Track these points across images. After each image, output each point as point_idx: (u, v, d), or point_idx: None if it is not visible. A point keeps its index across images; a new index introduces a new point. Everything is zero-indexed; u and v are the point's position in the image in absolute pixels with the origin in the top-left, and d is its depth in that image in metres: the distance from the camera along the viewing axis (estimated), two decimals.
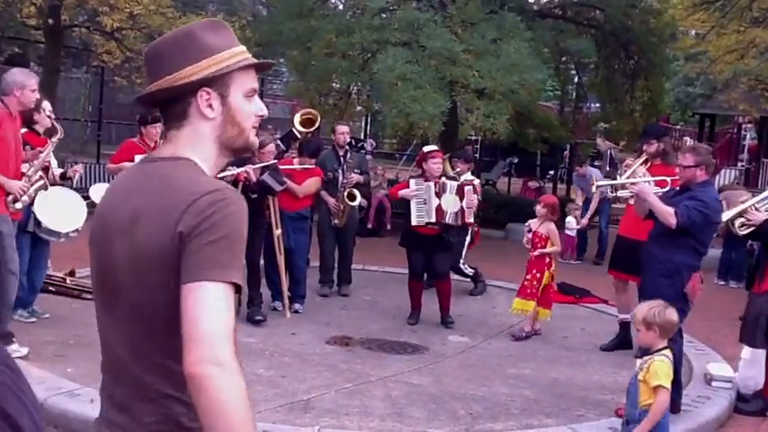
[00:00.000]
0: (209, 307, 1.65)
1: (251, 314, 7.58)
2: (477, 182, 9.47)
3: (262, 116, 2.00)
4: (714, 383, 6.32)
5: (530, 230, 7.92)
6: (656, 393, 4.32)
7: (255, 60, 1.98)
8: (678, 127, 28.41)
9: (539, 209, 7.95)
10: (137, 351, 1.82)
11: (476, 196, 8.21)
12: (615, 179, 7.24)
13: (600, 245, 12.85)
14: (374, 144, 22.65)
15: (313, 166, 8.41)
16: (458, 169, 9.48)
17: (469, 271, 9.71)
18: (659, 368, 4.34)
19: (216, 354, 1.61)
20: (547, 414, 5.79)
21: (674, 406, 5.71)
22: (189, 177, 1.83)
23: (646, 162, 7.07)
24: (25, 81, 6.10)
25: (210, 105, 1.89)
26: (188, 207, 1.73)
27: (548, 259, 7.84)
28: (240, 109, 1.93)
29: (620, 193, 6.78)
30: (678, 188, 6.02)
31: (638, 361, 4.55)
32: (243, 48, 1.96)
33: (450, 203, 7.87)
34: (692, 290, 5.62)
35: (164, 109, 1.95)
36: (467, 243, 9.59)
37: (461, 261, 9.56)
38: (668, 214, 5.62)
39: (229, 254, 1.71)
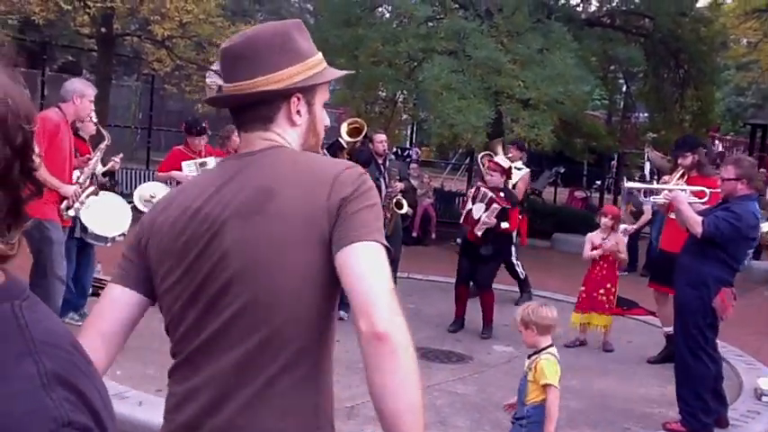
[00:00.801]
0: (378, 264, 1.64)
1: None
2: (526, 171, 9.47)
3: (327, 127, 1.97)
4: (764, 398, 6.20)
5: (601, 246, 7.80)
6: (546, 392, 4.34)
7: (343, 72, 1.98)
8: (728, 137, 27.95)
9: (605, 221, 7.83)
10: (246, 359, 1.71)
11: (494, 220, 8.14)
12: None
13: (648, 257, 12.67)
14: (419, 153, 22.65)
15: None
16: (510, 155, 9.45)
17: (521, 272, 9.57)
18: (546, 366, 4.36)
19: (392, 311, 1.63)
20: (593, 426, 5.74)
21: (722, 421, 5.62)
22: (314, 157, 1.81)
23: (683, 176, 6.99)
24: (85, 90, 6.27)
25: (299, 111, 1.85)
26: (337, 177, 1.70)
27: (618, 273, 7.85)
28: (320, 118, 1.91)
29: (654, 199, 6.70)
30: (721, 201, 5.92)
31: (527, 361, 4.55)
32: (320, 54, 1.92)
33: (480, 211, 7.88)
34: (721, 305, 5.44)
35: (244, 111, 1.85)
36: (514, 235, 9.54)
37: (514, 255, 9.38)
38: (695, 223, 5.52)
39: (380, 223, 1.71)
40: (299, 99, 1.84)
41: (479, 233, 7.85)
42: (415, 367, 1.62)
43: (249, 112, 1.84)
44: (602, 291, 7.78)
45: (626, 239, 11.48)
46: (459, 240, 9.54)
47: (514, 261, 9.43)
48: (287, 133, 1.85)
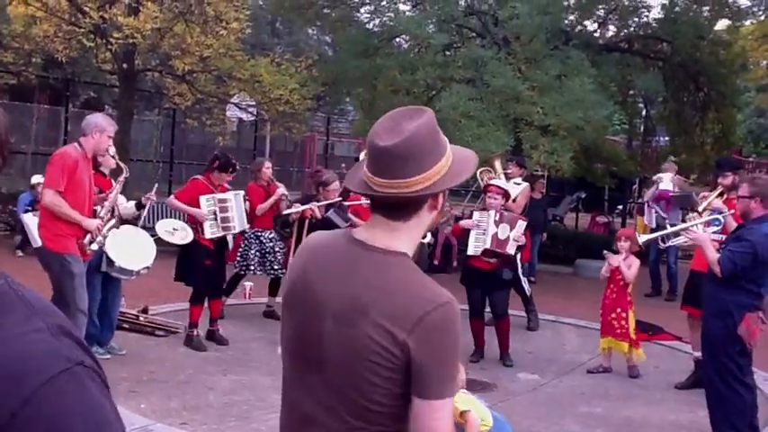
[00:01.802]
0: (443, 422, 1.87)
1: None
2: (525, 185, 9.44)
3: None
4: None
5: (611, 259, 7.76)
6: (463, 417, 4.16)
7: (474, 163, 2.08)
8: (751, 159, 27.75)
9: (621, 244, 7.79)
10: (329, 421, 1.95)
11: (524, 237, 8.05)
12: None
13: (671, 281, 12.54)
14: None
15: None
16: (509, 171, 9.44)
17: (528, 288, 9.49)
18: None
19: None
20: None
21: None
22: (416, 281, 1.93)
23: (721, 195, 6.93)
24: (106, 126, 6.34)
25: (441, 200, 2.01)
26: (423, 318, 1.84)
27: (629, 297, 7.73)
28: (446, 199, 2.08)
29: (674, 242, 6.65)
30: (738, 225, 5.84)
31: None
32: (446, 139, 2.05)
33: (505, 231, 7.83)
34: (747, 331, 5.31)
35: (393, 204, 1.97)
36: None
37: (520, 270, 9.17)
38: (713, 264, 5.45)
39: (456, 368, 1.91)
40: (444, 193, 2.00)
41: (512, 251, 7.82)
42: None
43: (399, 205, 1.97)
44: (613, 315, 7.71)
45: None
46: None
47: (521, 276, 9.35)
48: (425, 218, 2.01)
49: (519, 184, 9.55)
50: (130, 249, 6.90)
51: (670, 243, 6.80)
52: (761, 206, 5.38)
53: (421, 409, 1.86)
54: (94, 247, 6.35)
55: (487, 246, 7.77)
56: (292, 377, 2.05)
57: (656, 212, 11.77)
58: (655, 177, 12.46)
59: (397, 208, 1.97)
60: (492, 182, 8.58)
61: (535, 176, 12.59)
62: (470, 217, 8.22)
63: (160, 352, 7.50)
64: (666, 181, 12.04)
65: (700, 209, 6.68)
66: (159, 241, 7.67)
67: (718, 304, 5.43)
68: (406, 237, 1.99)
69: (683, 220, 7.66)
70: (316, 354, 1.95)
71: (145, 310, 8.32)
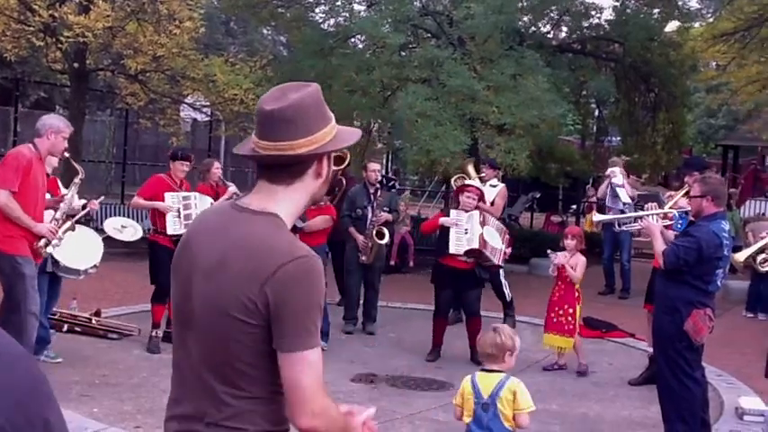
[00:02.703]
0: (307, 374, 1.94)
1: None
2: (502, 186, 9.51)
3: None
4: (746, 417, 6.21)
5: (556, 258, 7.84)
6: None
7: (360, 134, 2.29)
8: (690, 157, 28.26)
9: (568, 242, 7.88)
10: (203, 374, 2.02)
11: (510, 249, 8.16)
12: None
13: (623, 279, 12.71)
14: (395, 180, 22.68)
15: (326, 203, 8.40)
16: (483, 174, 9.50)
17: (508, 293, 9.53)
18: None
19: (317, 409, 1.95)
20: None
21: None
22: (276, 237, 2.01)
23: (687, 194, 7.05)
24: (62, 127, 6.24)
25: (325, 166, 2.11)
26: (277, 270, 1.93)
27: (577, 293, 7.79)
28: (331, 169, 2.18)
29: (628, 228, 6.75)
30: (689, 222, 5.96)
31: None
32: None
33: (494, 238, 7.85)
34: (693, 327, 5.40)
35: (276, 166, 2.07)
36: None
37: (502, 275, 9.35)
38: (658, 254, 5.57)
39: (315, 320, 1.97)
40: (328, 157, 2.12)
41: (501, 262, 7.92)
42: None
43: (281, 167, 2.07)
44: (560, 312, 7.77)
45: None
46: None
47: (503, 281, 9.42)
48: (310, 186, 2.10)
49: (495, 186, 9.60)
50: (77, 249, 6.76)
51: (624, 228, 6.90)
52: (712, 204, 5.48)
53: (282, 362, 1.94)
54: (50, 249, 6.24)
55: (474, 245, 7.76)
56: (175, 340, 2.15)
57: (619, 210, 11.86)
58: (607, 172, 12.59)
59: (279, 170, 2.07)
60: (468, 182, 8.62)
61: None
62: (439, 214, 8.22)
63: (113, 355, 7.39)
64: (618, 175, 12.19)
65: (666, 208, 6.78)
66: (112, 243, 7.56)
67: (667, 300, 5.53)
68: (285, 201, 2.07)
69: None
70: (189, 312, 2.04)
71: (97, 313, 8.18)
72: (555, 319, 7.79)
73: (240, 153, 2.16)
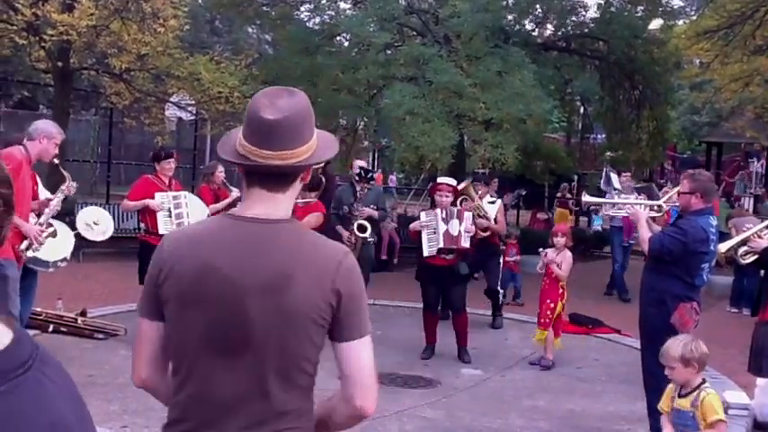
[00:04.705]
0: (369, 357, 2.11)
1: None
2: (499, 202, 9.58)
3: None
4: (731, 411, 6.25)
5: (546, 256, 7.92)
6: (716, 427, 4.34)
7: (336, 139, 2.36)
8: (685, 156, 28.44)
9: (557, 239, 7.97)
10: (257, 392, 2.03)
11: (473, 226, 8.16)
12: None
13: (612, 278, 12.73)
14: (373, 171, 22.70)
15: (314, 200, 8.42)
16: (480, 192, 9.55)
17: (502, 299, 9.72)
18: (714, 402, 4.37)
19: (376, 393, 2.14)
20: None
21: None
22: (318, 239, 2.13)
23: None
24: (54, 133, 6.24)
25: (309, 171, 2.18)
26: (338, 269, 2.03)
27: (561, 290, 7.84)
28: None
29: (612, 213, 6.80)
30: (677, 216, 6.02)
31: (685, 399, 4.47)
32: None
33: (455, 227, 7.90)
34: (680, 320, 5.46)
35: (277, 174, 2.09)
36: (501, 263, 9.77)
37: (498, 283, 9.60)
38: (644, 240, 5.62)
39: (367, 306, 2.13)
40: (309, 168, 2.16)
41: (466, 244, 7.88)
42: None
43: (282, 176, 2.10)
44: (544, 306, 7.85)
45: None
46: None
47: (498, 287, 9.62)
48: (297, 191, 2.16)
49: (493, 202, 9.62)
50: (48, 241, 6.67)
51: (611, 213, 6.96)
52: (701, 201, 5.57)
53: (352, 349, 2.07)
54: (30, 253, 6.21)
55: (441, 244, 7.81)
56: (199, 369, 2.05)
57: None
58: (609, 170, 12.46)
59: (278, 179, 2.10)
60: (441, 180, 8.65)
61: (492, 175, 12.65)
62: (419, 217, 8.23)
63: (99, 355, 7.36)
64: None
65: (661, 201, 6.82)
66: (94, 243, 7.48)
67: (654, 293, 5.59)
68: (285, 207, 2.13)
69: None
70: (239, 336, 1.99)
71: (83, 313, 8.15)
72: (537, 312, 7.89)
73: (229, 159, 2.14)
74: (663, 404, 4.57)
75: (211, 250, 2.04)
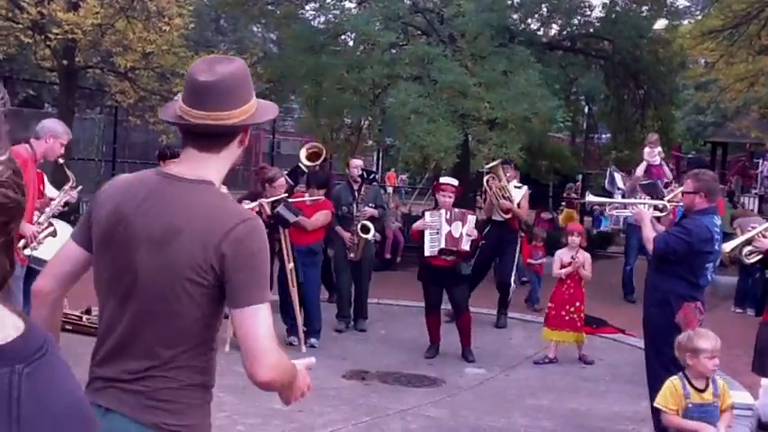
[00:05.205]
0: (262, 325, 2.06)
1: None
2: (525, 189, 9.61)
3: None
4: (734, 411, 6.24)
5: (574, 261, 7.93)
6: (731, 410, 4.62)
7: (277, 110, 2.41)
8: (690, 156, 28.37)
9: (573, 239, 8.00)
10: (146, 337, 2.13)
11: (475, 230, 8.15)
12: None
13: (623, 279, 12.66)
14: (375, 172, 22.69)
15: (322, 198, 8.44)
16: (508, 174, 9.57)
17: (511, 293, 9.71)
18: (727, 388, 4.59)
19: (275, 360, 2.07)
20: None
21: None
22: (224, 203, 2.18)
23: None
24: (61, 133, 6.24)
25: (247, 136, 2.26)
26: (231, 230, 2.06)
27: (583, 290, 7.96)
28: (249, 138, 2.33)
29: (618, 213, 6.80)
30: (682, 215, 6.02)
31: (702, 394, 4.53)
32: None
33: (458, 229, 7.89)
34: (684, 319, 5.45)
35: (208, 135, 2.18)
36: (517, 254, 9.75)
37: (512, 276, 9.62)
38: (648, 240, 5.62)
39: (265, 276, 2.12)
40: (249, 127, 2.25)
41: (467, 247, 7.88)
42: (290, 379, 2.20)
43: (213, 136, 2.19)
44: (571, 309, 7.88)
45: None
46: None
47: (512, 282, 9.62)
48: (234, 153, 2.24)
49: (519, 187, 9.64)
50: (47, 241, 6.66)
51: (615, 212, 6.97)
52: (705, 200, 5.56)
53: (239, 316, 2.07)
54: (28, 251, 6.21)
55: (442, 245, 7.81)
56: (106, 310, 2.22)
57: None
58: (646, 153, 12.12)
59: (210, 139, 2.19)
60: (444, 180, 8.66)
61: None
62: (424, 217, 8.20)
63: None
64: (657, 158, 11.86)
65: (665, 199, 6.81)
66: None
67: (658, 293, 5.58)
68: (215, 168, 2.21)
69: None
70: (130, 283, 2.12)
71: (88, 311, 8.16)
72: (567, 317, 7.91)
73: (166, 119, 2.26)
74: (669, 403, 4.52)
75: (126, 200, 2.17)
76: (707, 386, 4.48)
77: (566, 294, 7.93)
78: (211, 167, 2.20)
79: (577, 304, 7.90)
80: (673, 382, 4.54)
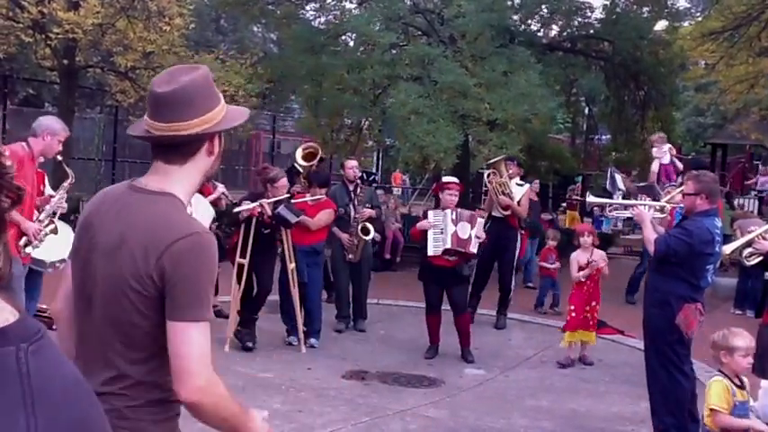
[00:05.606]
0: (191, 344, 2.01)
1: (242, 338, 7.59)
2: (527, 186, 9.67)
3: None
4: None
5: (593, 263, 7.95)
6: None
7: (248, 111, 2.38)
8: (690, 157, 28.37)
9: (584, 239, 8.05)
10: (107, 345, 2.12)
11: (484, 233, 8.15)
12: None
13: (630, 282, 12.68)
14: (375, 174, 22.71)
15: (324, 197, 8.44)
16: (510, 171, 9.57)
17: (512, 289, 9.75)
18: None
19: (202, 383, 2.00)
20: None
21: None
22: (172, 216, 2.11)
23: None
24: (58, 130, 6.21)
25: (216, 145, 2.21)
26: (172, 244, 2.02)
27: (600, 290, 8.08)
28: (222, 147, 2.27)
29: (616, 214, 6.81)
30: (682, 217, 6.01)
31: (743, 391, 4.54)
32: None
33: (465, 230, 7.87)
34: (684, 321, 5.47)
35: (171, 146, 2.15)
36: (516, 253, 9.78)
37: (513, 273, 9.70)
38: (649, 242, 5.62)
39: (206, 293, 2.06)
40: (219, 136, 2.21)
41: (474, 250, 7.88)
42: (225, 410, 2.10)
43: (175, 147, 2.16)
44: (587, 308, 7.92)
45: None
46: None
47: (512, 280, 9.66)
48: (201, 163, 2.20)
49: (521, 184, 9.64)
50: (48, 241, 6.67)
51: (615, 213, 6.97)
52: (706, 202, 5.56)
53: (170, 331, 2.02)
54: (29, 249, 6.20)
55: (448, 245, 7.78)
56: (76, 316, 2.22)
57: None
58: (654, 152, 12.13)
59: (173, 150, 2.16)
60: (447, 179, 8.66)
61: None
62: (425, 216, 8.18)
63: None
64: (666, 155, 11.93)
65: (663, 201, 6.81)
66: None
67: (658, 295, 5.58)
68: (180, 180, 2.18)
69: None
70: (89, 290, 2.14)
71: None
72: (583, 316, 7.92)
73: (134, 134, 2.25)
74: (722, 403, 4.41)
75: (96, 210, 2.21)
76: (742, 384, 4.50)
77: (586, 294, 7.96)
78: (175, 180, 2.17)
79: (593, 303, 7.95)
80: (723, 382, 4.44)
